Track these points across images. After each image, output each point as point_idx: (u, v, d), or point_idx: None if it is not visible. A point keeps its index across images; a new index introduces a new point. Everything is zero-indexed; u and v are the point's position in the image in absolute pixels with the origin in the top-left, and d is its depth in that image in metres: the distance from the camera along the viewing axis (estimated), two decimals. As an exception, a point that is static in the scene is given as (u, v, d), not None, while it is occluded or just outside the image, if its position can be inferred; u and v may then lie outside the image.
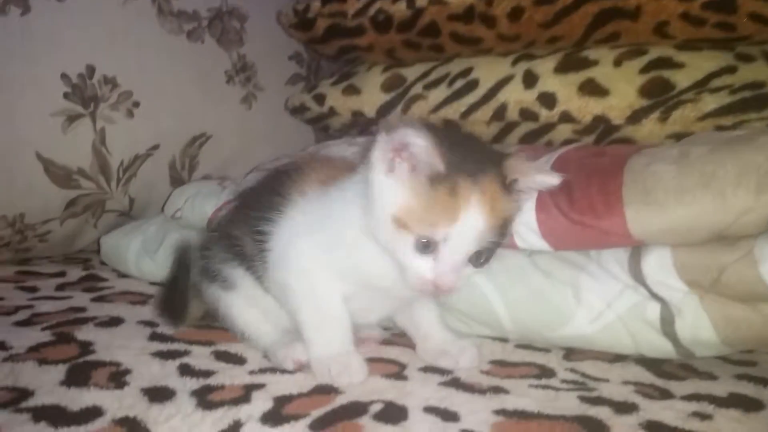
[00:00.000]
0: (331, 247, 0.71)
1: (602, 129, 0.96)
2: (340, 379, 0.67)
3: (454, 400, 0.64)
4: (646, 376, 0.72)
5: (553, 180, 0.68)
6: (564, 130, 0.99)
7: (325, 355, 0.70)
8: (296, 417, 0.58)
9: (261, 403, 0.61)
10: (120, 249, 1.11)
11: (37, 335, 0.78)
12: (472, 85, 1.05)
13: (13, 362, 0.69)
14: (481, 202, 0.63)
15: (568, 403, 0.64)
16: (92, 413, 0.58)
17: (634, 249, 0.77)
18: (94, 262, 1.21)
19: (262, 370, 0.71)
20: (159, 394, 0.63)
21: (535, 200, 0.78)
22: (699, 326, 0.71)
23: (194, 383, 0.66)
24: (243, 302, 0.78)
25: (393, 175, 0.64)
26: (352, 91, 1.15)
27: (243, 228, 0.77)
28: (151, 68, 1.21)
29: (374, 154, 0.65)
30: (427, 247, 0.64)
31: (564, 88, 0.98)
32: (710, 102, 0.89)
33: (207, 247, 0.81)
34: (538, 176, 0.68)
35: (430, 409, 0.61)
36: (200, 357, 0.74)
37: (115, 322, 0.84)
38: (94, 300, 0.95)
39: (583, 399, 0.65)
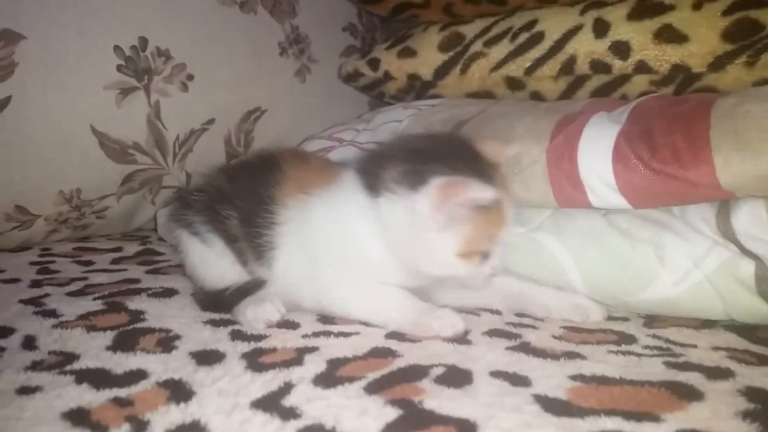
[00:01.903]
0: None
1: (682, 78, 0.87)
2: (446, 332, 0.66)
3: (523, 365, 0.58)
4: (739, 342, 0.65)
5: (511, 149, 0.71)
6: (640, 82, 0.91)
7: (412, 317, 0.68)
8: (351, 379, 0.54)
9: (314, 365, 0.57)
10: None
11: (89, 304, 0.76)
12: (537, 37, 0.97)
13: (62, 329, 0.67)
14: (506, 193, 0.67)
15: (653, 369, 0.57)
16: (136, 376, 0.55)
17: (721, 203, 0.69)
18: (152, 238, 1.20)
19: (316, 334, 0.66)
20: (208, 358, 0.59)
21: (612, 150, 0.71)
22: (800, 284, 0.63)
23: (245, 346, 0.63)
24: (211, 254, 0.78)
25: (446, 225, 0.64)
26: (408, 53, 1.09)
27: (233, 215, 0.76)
28: (204, 40, 1.19)
29: (419, 217, 0.64)
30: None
31: (639, 35, 0.90)
32: (807, 39, 0.79)
33: (190, 207, 0.81)
34: (508, 153, 0.71)
35: (497, 374, 0.56)
36: (254, 329, 0.70)
37: (168, 293, 0.82)
38: (148, 272, 0.94)
39: (669, 364, 0.58)
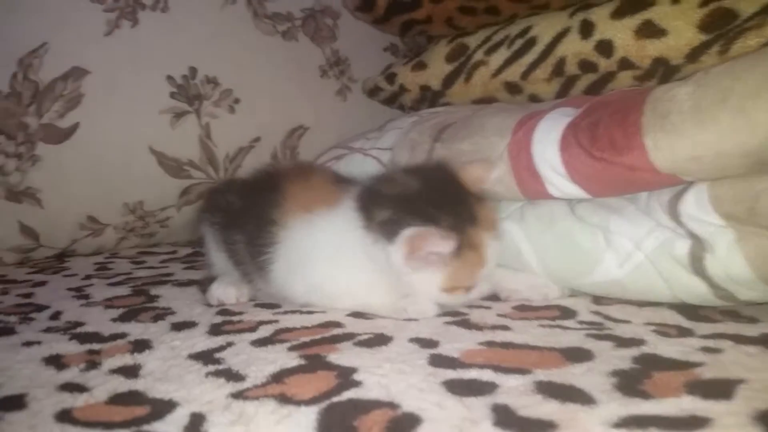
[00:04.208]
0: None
1: (663, 72, 0.89)
2: (418, 315, 0.71)
3: (446, 334, 0.64)
4: (675, 318, 0.67)
5: (497, 168, 0.78)
6: (625, 78, 0.93)
7: (391, 301, 0.73)
8: (283, 341, 0.62)
9: (262, 332, 0.66)
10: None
11: (119, 290, 0.90)
12: (531, 42, 1.02)
13: (87, 307, 0.81)
14: (488, 232, 0.72)
15: (569, 339, 0.61)
16: (118, 337, 0.67)
17: (680, 189, 0.71)
18: (208, 244, 1.34)
19: (286, 312, 0.75)
20: (182, 326, 0.70)
21: (559, 140, 0.75)
22: (731, 261, 0.64)
23: (218, 319, 0.73)
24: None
25: (422, 268, 0.69)
26: (420, 66, 1.17)
27: (240, 240, 0.82)
28: (248, 67, 1.33)
29: (396, 263, 0.69)
30: None
31: (621, 33, 0.92)
32: (777, 25, 0.79)
33: (212, 216, 0.89)
34: (490, 173, 0.77)
35: (414, 340, 0.62)
36: (244, 306, 0.81)
37: (190, 283, 0.94)
38: (185, 269, 1.07)
39: (590, 335, 0.62)
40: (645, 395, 0.47)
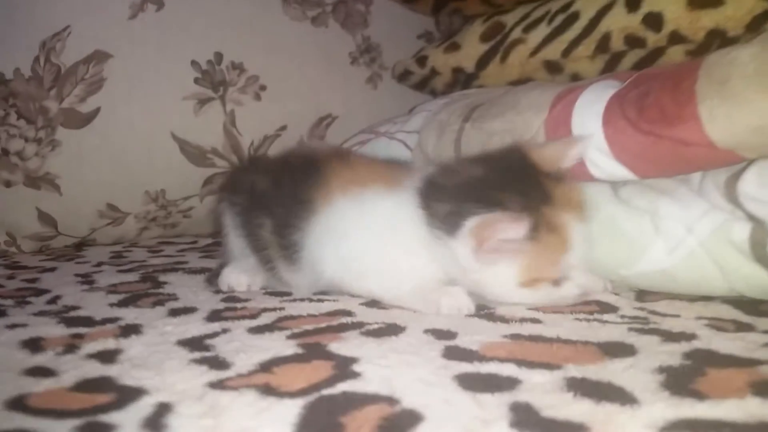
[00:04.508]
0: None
1: (718, 45, 0.79)
2: (452, 310, 0.61)
3: (467, 326, 0.56)
4: (730, 313, 0.58)
5: (581, 144, 0.66)
6: (676, 54, 0.84)
7: (423, 292, 0.64)
8: (282, 329, 0.56)
9: (263, 320, 0.60)
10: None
11: (127, 277, 0.85)
12: (573, 18, 0.94)
13: (88, 292, 0.76)
14: (571, 213, 0.62)
15: (609, 333, 0.53)
16: (108, 321, 0.61)
17: (739, 167, 0.62)
18: (230, 236, 1.29)
19: (294, 300, 0.69)
20: (180, 312, 0.65)
21: (602, 113, 0.67)
22: (801, 247, 0.55)
23: (221, 305, 0.67)
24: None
25: (495, 260, 0.61)
26: (453, 47, 1.10)
27: (266, 223, 0.75)
28: (276, 53, 1.28)
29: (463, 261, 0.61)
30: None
31: (671, 5, 0.83)
32: None
33: (234, 197, 0.81)
34: (571, 150, 0.66)
35: (430, 330, 0.55)
36: (253, 294, 0.75)
37: (203, 270, 0.89)
38: (201, 257, 1.02)
39: (633, 330, 0.54)
40: (699, 395, 0.39)
